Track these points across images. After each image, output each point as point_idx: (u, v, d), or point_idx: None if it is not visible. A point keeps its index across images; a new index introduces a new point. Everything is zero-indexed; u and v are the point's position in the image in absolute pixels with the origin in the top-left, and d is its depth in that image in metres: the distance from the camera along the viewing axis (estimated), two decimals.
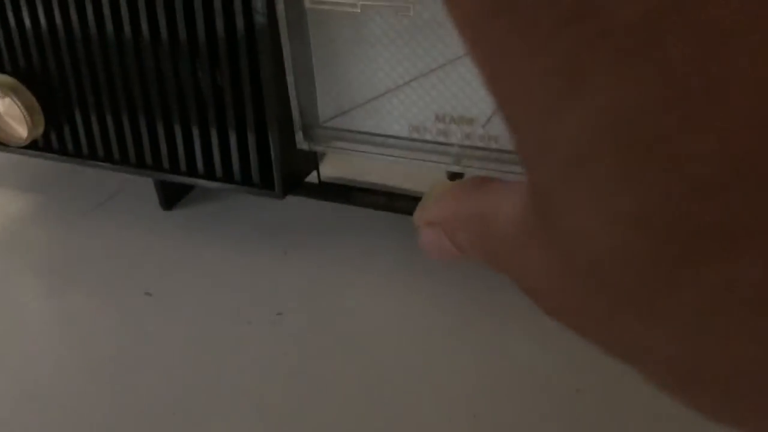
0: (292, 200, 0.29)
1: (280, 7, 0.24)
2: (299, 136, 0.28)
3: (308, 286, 0.28)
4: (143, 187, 0.34)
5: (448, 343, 0.26)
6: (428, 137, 0.27)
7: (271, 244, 0.31)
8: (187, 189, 0.34)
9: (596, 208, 0.08)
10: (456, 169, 0.27)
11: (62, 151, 0.31)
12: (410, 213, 0.26)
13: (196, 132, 0.28)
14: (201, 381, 0.24)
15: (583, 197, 0.08)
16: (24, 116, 0.29)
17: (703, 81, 0.07)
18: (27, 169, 0.37)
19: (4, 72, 0.30)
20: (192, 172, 0.29)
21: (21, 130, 0.30)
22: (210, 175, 0.29)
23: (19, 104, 0.29)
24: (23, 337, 0.27)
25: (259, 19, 0.24)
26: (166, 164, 0.29)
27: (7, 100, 0.29)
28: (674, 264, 0.07)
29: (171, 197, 0.34)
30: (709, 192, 0.07)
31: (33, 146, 0.31)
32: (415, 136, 0.27)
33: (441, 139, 0.27)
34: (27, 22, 0.28)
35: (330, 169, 0.30)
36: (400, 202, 0.29)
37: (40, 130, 0.30)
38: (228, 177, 0.28)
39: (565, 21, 0.07)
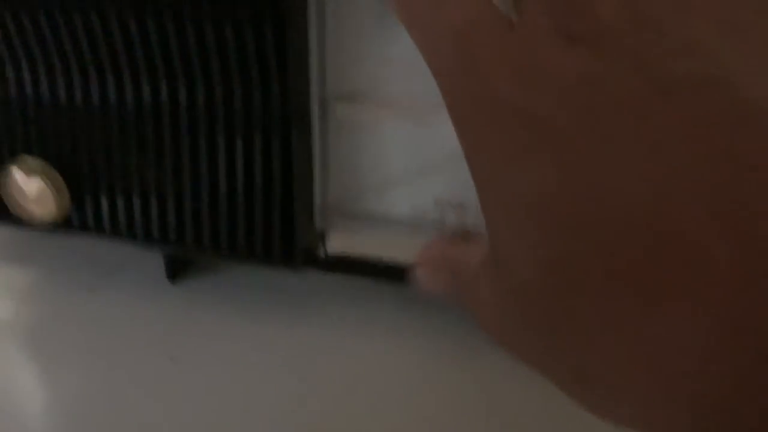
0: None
1: (315, 122, 0.29)
2: (320, 216, 0.32)
3: (321, 348, 0.32)
4: (147, 260, 0.37)
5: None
6: (427, 218, 0.32)
7: (277, 310, 0.35)
8: (191, 261, 0.37)
9: (524, 254, 0.11)
10: None
11: (83, 228, 0.34)
12: (407, 283, 0.31)
13: (223, 210, 0.31)
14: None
15: (516, 246, 0.11)
16: (53, 197, 0.32)
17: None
18: (28, 242, 0.39)
19: (36, 155, 0.32)
20: (216, 247, 0.32)
21: (49, 209, 0.32)
22: (233, 251, 0.32)
23: (50, 186, 0.32)
24: (48, 413, 0.29)
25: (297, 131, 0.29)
26: (191, 240, 0.32)
27: (37, 181, 0.32)
28: (568, 296, 0.11)
29: (176, 269, 0.37)
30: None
31: (58, 224, 0.33)
32: (416, 216, 0.32)
33: (438, 218, 0.32)
34: (51, 105, 0.31)
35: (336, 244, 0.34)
36: (398, 274, 0.33)
37: (67, 209, 0.33)
38: (251, 252, 0.32)
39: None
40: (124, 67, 0.30)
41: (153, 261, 0.37)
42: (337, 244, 0.34)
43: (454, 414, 0.29)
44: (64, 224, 0.34)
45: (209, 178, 0.31)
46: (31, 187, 0.32)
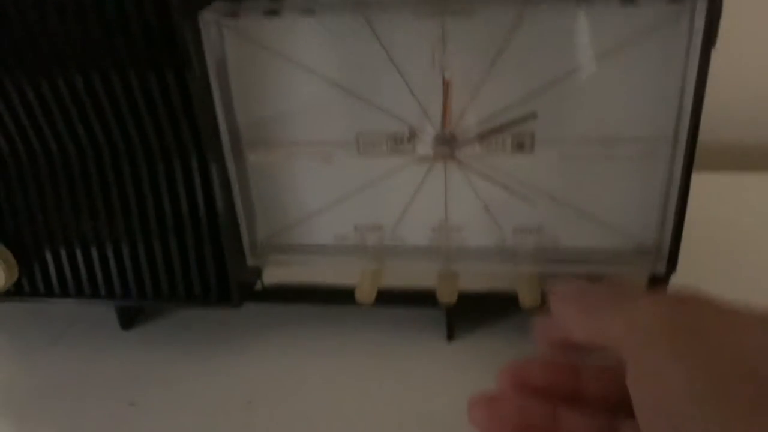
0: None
1: (231, 167, 0.32)
2: (248, 255, 0.35)
3: (271, 378, 0.35)
4: (101, 311, 0.39)
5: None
6: (350, 243, 0.35)
7: (228, 345, 0.37)
8: (142, 309, 0.40)
9: None
10: (374, 265, 0.35)
11: (34, 293, 0.36)
12: (341, 304, 0.34)
13: (160, 261, 0.34)
14: None
15: None
16: (4, 270, 0.34)
17: None
18: None
19: None
20: (158, 295, 0.35)
21: (1, 281, 0.35)
22: (174, 296, 0.35)
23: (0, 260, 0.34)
24: None
25: (216, 177, 0.31)
26: (136, 291, 0.35)
27: None
28: None
29: (128, 317, 0.39)
30: None
31: (10, 292, 0.36)
32: (339, 242, 0.35)
33: (359, 242, 0.35)
34: None
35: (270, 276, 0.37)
36: (332, 296, 0.36)
37: (15, 279, 0.35)
38: (190, 295, 0.34)
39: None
40: (44, 129, 0.32)
41: (106, 311, 0.39)
42: (273, 276, 0.37)
43: (396, 425, 0.32)
44: (16, 291, 0.36)
45: (141, 230, 0.34)
46: None
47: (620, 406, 0.25)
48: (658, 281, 0.33)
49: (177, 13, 0.27)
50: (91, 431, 0.33)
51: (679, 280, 0.32)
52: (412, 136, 0.31)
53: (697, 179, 0.30)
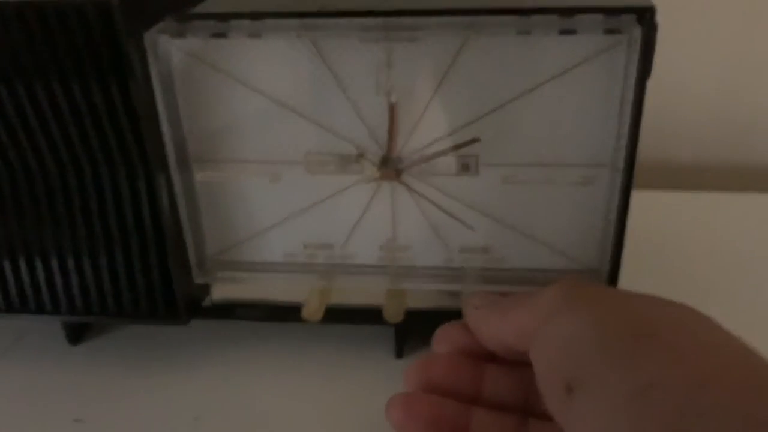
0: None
1: (178, 183, 0.32)
2: (195, 272, 0.35)
3: (220, 393, 0.35)
4: (48, 326, 0.39)
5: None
6: (299, 260, 0.35)
7: (177, 361, 0.37)
8: (89, 324, 0.40)
9: None
10: (323, 283, 0.35)
11: None
12: (289, 320, 0.34)
13: (106, 276, 0.34)
14: None
15: None
16: None
17: None
18: None
19: None
20: (104, 311, 0.35)
21: None
22: (120, 312, 0.34)
23: None
24: None
25: (162, 193, 0.31)
26: (81, 307, 0.34)
27: None
28: None
29: (76, 333, 0.39)
30: None
31: None
32: (289, 260, 0.35)
33: (309, 260, 0.35)
34: None
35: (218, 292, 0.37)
36: (280, 313, 0.36)
37: None
38: (137, 312, 0.34)
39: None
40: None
41: (53, 327, 0.39)
42: (222, 292, 0.37)
43: None
44: None
45: (88, 246, 0.33)
46: None
47: (525, 406, 0.26)
48: None
49: (121, 32, 0.27)
50: None
51: None
52: (360, 156, 0.32)
53: (636, 197, 0.31)
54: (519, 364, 0.27)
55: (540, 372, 0.23)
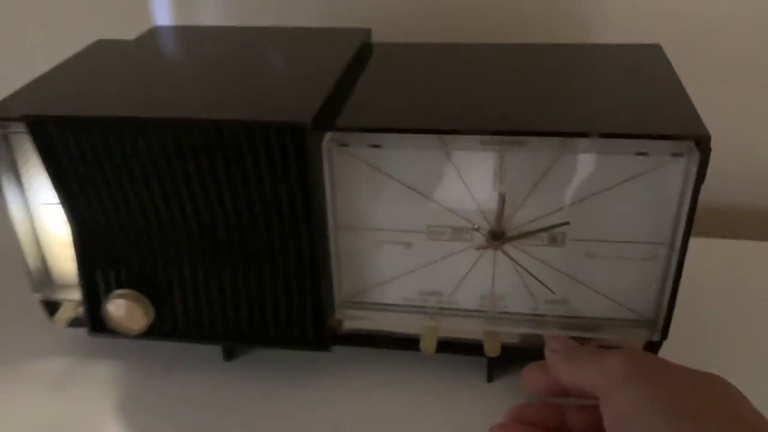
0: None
1: (333, 243, 0.42)
2: (339, 309, 0.45)
3: (354, 405, 0.45)
4: (204, 346, 0.49)
5: None
6: (414, 304, 0.45)
7: (317, 378, 0.47)
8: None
9: None
10: (432, 323, 0.45)
11: (163, 335, 0.46)
12: (408, 349, 0.43)
13: (269, 310, 0.44)
14: None
15: None
16: (143, 315, 0.44)
17: None
18: (108, 344, 0.51)
19: (126, 287, 0.44)
20: (263, 339, 0.45)
21: (139, 324, 0.44)
22: (276, 339, 0.44)
23: (141, 309, 0.44)
24: None
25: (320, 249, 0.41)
26: (248, 334, 0.44)
27: (132, 305, 0.44)
28: None
29: (230, 351, 0.49)
30: None
31: (143, 333, 0.45)
32: (406, 303, 0.45)
33: (422, 304, 0.45)
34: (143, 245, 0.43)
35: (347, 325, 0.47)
36: (401, 343, 0.46)
37: (151, 322, 0.45)
38: (291, 338, 0.44)
39: None
40: (195, 219, 0.42)
41: (210, 347, 0.49)
42: (351, 326, 0.47)
43: None
44: (147, 333, 0.46)
45: (257, 286, 0.43)
46: (125, 309, 0.44)
47: None
48: (653, 345, 0.43)
49: (310, 144, 0.37)
50: None
51: (669, 344, 0.42)
52: (476, 230, 0.41)
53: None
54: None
55: (607, 423, 0.32)
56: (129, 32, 0.54)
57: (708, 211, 0.66)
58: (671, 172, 0.37)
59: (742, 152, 0.64)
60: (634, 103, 0.41)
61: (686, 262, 0.39)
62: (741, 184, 0.66)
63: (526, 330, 0.43)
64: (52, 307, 0.49)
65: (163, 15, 0.66)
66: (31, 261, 0.48)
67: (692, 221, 0.38)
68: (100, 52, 0.53)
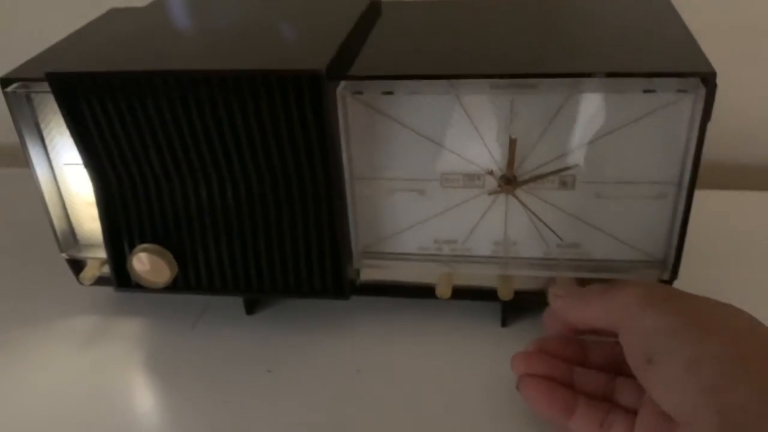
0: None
1: (349, 194, 0.43)
2: (357, 259, 0.46)
3: (374, 351, 0.46)
4: (226, 300, 0.51)
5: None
6: (429, 252, 0.46)
7: (337, 326, 0.49)
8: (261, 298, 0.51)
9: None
10: (447, 270, 0.46)
11: (186, 287, 0.47)
12: (424, 297, 0.45)
13: (290, 262, 0.45)
14: None
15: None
16: (167, 269, 0.45)
17: None
18: (134, 299, 0.52)
19: (150, 242, 0.46)
20: (284, 289, 0.46)
21: (163, 277, 0.46)
22: (299, 290, 0.46)
23: (164, 262, 0.45)
24: (169, 427, 0.43)
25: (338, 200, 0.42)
26: (269, 286, 0.46)
27: (156, 259, 0.45)
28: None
29: (252, 305, 0.50)
30: None
31: (167, 287, 0.47)
32: (422, 252, 0.46)
33: (437, 252, 0.46)
34: (157, 205, 0.45)
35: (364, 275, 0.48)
36: (417, 292, 0.47)
37: (175, 275, 0.46)
38: (312, 289, 0.46)
39: None
40: (215, 172, 0.43)
41: (231, 300, 0.50)
42: (367, 276, 0.48)
43: (484, 399, 0.43)
44: (171, 286, 0.47)
45: (277, 240, 0.45)
46: (149, 263, 0.46)
47: (616, 369, 0.38)
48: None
49: (325, 92, 0.38)
50: (235, 393, 0.44)
51: (679, 284, 0.43)
52: (489, 174, 0.42)
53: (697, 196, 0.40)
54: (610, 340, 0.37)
55: (628, 350, 0.33)
56: (140, 2, 0.55)
57: (713, 165, 0.67)
58: (678, 109, 0.38)
59: (743, 106, 0.65)
60: (641, 44, 0.41)
61: (694, 210, 0.40)
62: (741, 138, 0.67)
63: (538, 273, 0.45)
64: (77, 266, 0.51)
65: None
66: (57, 221, 0.49)
67: (699, 159, 0.39)
68: (114, 18, 0.55)
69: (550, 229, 0.43)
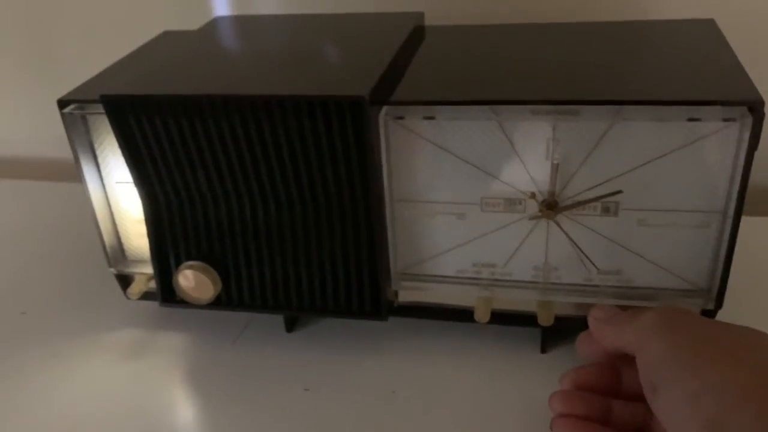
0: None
1: (389, 216, 0.43)
2: (395, 281, 0.46)
3: (410, 373, 0.46)
4: (267, 317, 0.51)
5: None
6: (468, 275, 0.46)
7: (374, 347, 0.49)
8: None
9: None
10: (486, 293, 0.46)
11: (229, 304, 0.48)
12: (462, 321, 0.45)
13: (329, 283, 0.46)
14: None
15: None
16: (211, 286, 0.47)
17: None
18: (177, 314, 0.54)
19: (195, 259, 0.47)
20: (323, 309, 0.47)
21: (207, 294, 0.47)
22: (336, 309, 0.46)
23: (209, 279, 0.46)
24: None
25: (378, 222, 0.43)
26: (308, 306, 0.47)
27: (201, 276, 0.46)
28: None
29: (291, 323, 0.51)
30: None
31: (211, 303, 0.48)
32: (460, 275, 0.46)
33: (476, 275, 0.46)
34: (204, 224, 0.46)
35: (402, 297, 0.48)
36: (455, 315, 0.47)
37: (218, 292, 0.47)
38: (350, 309, 0.46)
39: None
40: (259, 192, 0.44)
41: (271, 317, 0.51)
42: (406, 297, 0.48)
43: (521, 427, 0.43)
44: (214, 303, 0.48)
45: (318, 260, 0.45)
46: (194, 280, 0.47)
47: None
48: (708, 315, 0.43)
49: (368, 118, 0.39)
50: (272, 410, 0.45)
51: (723, 314, 0.42)
52: (531, 197, 0.42)
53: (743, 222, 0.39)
54: None
55: (641, 376, 0.33)
56: (192, 24, 0.57)
57: (762, 191, 0.65)
58: (724, 137, 0.37)
59: None
60: (687, 72, 0.41)
61: (740, 239, 0.39)
62: None
63: (579, 300, 0.44)
64: (125, 281, 0.53)
65: (222, 6, 0.68)
66: (107, 237, 0.51)
67: (746, 188, 0.38)
68: (167, 41, 0.57)
69: (586, 257, 0.43)
